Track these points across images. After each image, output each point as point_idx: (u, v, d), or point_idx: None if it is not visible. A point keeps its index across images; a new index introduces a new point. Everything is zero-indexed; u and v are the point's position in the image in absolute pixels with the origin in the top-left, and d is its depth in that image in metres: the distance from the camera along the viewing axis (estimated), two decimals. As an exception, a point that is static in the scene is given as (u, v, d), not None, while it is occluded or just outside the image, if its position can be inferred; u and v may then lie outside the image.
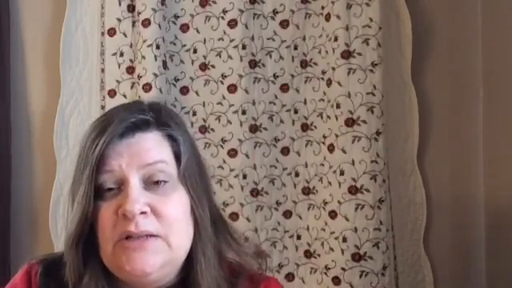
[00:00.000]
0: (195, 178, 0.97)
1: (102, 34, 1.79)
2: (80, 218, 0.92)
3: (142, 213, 0.90)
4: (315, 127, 1.72)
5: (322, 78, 1.70)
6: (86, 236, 0.93)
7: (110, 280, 0.95)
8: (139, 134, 0.94)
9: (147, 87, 1.71)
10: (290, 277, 1.73)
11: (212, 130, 1.75)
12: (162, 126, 0.96)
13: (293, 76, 1.74)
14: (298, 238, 1.73)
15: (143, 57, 1.71)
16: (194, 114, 1.76)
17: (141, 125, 0.95)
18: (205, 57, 1.76)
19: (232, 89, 1.75)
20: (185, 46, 1.77)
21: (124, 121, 0.94)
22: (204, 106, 1.76)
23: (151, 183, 0.93)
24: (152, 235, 0.91)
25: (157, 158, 0.94)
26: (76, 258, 0.93)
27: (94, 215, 0.92)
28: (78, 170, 0.94)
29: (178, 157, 0.96)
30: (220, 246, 0.99)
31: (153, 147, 0.94)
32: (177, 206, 0.94)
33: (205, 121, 1.76)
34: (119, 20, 1.76)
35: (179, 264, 0.95)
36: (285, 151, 1.75)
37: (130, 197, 0.90)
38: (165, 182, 0.93)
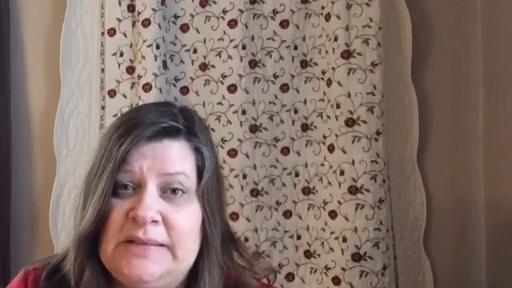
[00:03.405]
0: (212, 194, 0.95)
1: (102, 34, 1.79)
2: (97, 214, 0.90)
3: (153, 221, 0.89)
4: (315, 127, 1.72)
5: (322, 78, 1.70)
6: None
7: (108, 278, 0.94)
8: (167, 140, 0.93)
9: (147, 87, 1.71)
10: (289, 277, 1.73)
11: (212, 130, 1.75)
12: (191, 136, 0.95)
13: (293, 76, 1.74)
14: (298, 238, 1.73)
15: (143, 57, 1.71)
16: (194, 114, 1.76)
17: (171, 131, 0.93)
18: (205, 57, 1.76)
19: (232, 89, 1.75)
20: (185, 45, 1.77)
21: (154, 124, 0.92)
22: (204, 106, 1.76)
23: (167, 192, 0.92)
24: (158, 245, 0.90)
25: (178, 169, 0.92)
26: (83, 252, 0.92)
27: (107, 212, 0.91)
28: (98, 166, 0.92)
29: (199, 171, 0.94)
30: (227, 264, 0.97)
31: (177, 157, 0.93)
32: (189, 218, 0.93)
33: (205, 121, 1.75)
34: (119, 20, 1.76)
35: (180, 276, 0.94)
36: (285, 151, 1.75)
37: (144, 202, 0.89)
38: (181, 193, 0.92)
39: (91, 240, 0.92)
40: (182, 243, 0.91)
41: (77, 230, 0.94)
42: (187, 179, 0.93)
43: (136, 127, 0.92)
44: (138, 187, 0.91)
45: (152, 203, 0.89)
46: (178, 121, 0.94)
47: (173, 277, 0.93)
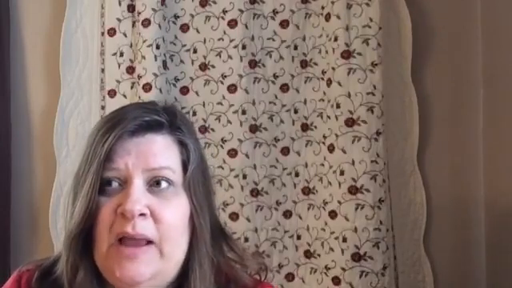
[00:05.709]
0: (199, 187, 0.95)
1: (102, 34, 1.79)
2: (85, 211, 0.90)
3: (141, 214, 0.89)
4: (315, 127, 1.72)
5: (322, 78, 1.70)
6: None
7: (101, 279, 0.94)
8: (150, 134, 0.93)
9: (147, 87, 1.71)
10: (289, 277, 1.73)
11: (212, 129, 1.76)
12: (175, 130, 0.95)
13: (293, 76, 1.74)
14: (298, 238, 1.73)
15: (143, 57, 1.71)
16: (194, 113, 1.76)
17: (153, 125, 0.94)
18: (205, 57, 1.76)
19: (232, 89, 1.75)
20: (185, 45, 1.77)
21: (137, 118, 0.93)
22: (204, 106, 1.76)
23: (154, 187, 0.92)
24: (147, 240, 0.90)
25: (163, 164, 0.93)
26: (75, 252, 0.92)
27: (95, 210, 0.91)
28: (85, 164, 0.93)
29: (184, 164, 0.95)
30: (217, 259, 0.97)
31: (161, 151, 0.93)
32: (177, 211, 0.93)
33: (205, 121, 1.76)
34: (119, 20, 1.76)
35: (171, 274, 0.94)
36: (285, 151, 1.75)
37: (131, 196, 0.89)
38: (168, 187, 0.92)
39: (83, 240, 0.92)
40: (170, 237, 0.91)
41: (67, 229, 0.94)
42: (173, 173, 0.93)
43: (119, 123, 0.92)
44: (125, 183, 0.91)
45: (139, 197, 0.90)
46: (160, 115, 0.95)
47: (163, 276, 0.93)
